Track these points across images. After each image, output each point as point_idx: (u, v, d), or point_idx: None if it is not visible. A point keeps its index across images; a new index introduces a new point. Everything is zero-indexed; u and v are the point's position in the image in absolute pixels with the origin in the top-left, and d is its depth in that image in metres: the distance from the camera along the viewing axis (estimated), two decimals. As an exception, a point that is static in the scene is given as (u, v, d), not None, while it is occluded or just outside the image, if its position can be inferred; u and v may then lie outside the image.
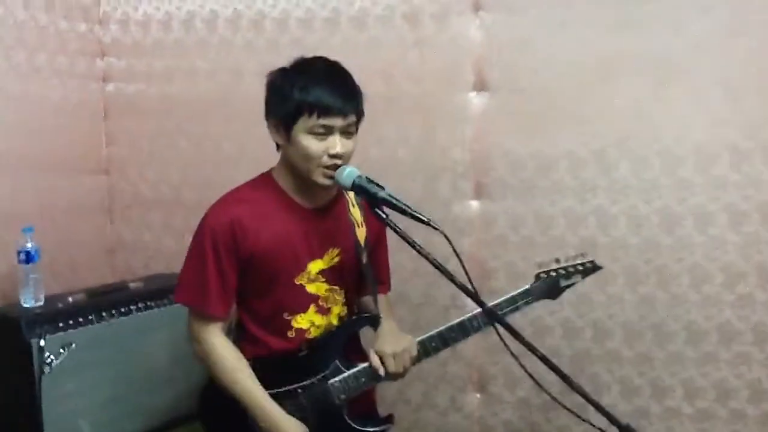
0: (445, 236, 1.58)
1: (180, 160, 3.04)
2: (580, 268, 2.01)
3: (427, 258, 1.62)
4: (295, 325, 1.83)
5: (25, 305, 2.46)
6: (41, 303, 2.48)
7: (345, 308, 1.92)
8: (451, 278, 1.60)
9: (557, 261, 2.00)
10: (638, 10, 2.40)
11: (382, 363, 1.80)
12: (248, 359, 1.80)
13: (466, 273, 1.59)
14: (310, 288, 1.84)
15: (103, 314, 2.51)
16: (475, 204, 2.66)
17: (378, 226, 1.89)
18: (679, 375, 2.48)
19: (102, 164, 3.13)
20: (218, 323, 1.79)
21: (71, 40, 2.95)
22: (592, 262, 2.03)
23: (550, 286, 1.98)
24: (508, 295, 1.94)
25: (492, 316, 1.61)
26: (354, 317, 1.94)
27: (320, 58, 1.81)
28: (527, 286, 1.97)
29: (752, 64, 2.31)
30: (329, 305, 1.88)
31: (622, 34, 2.42)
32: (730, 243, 2.37)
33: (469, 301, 1.63)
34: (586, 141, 2.51)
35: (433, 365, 2.71)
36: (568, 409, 1.60)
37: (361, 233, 1.89)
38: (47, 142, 2.86)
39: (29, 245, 2.46)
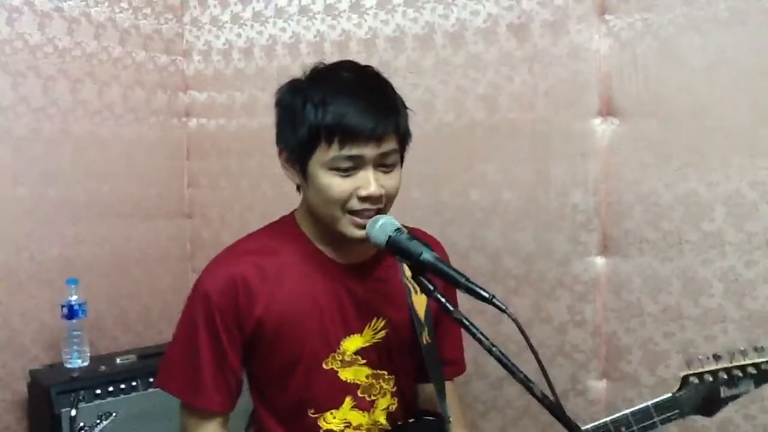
0: (515, 321, 1.06)
1: (264, 202, 2.70)
2: (754, 371, 1.36)
3: (491, 352, 1.10)
4: (324, 425, 1.36)
5: (67, 366, 2.19)
6: (86, 363, 2.21)
7: (395, 401, 1.43)
8: (527, 386, 1.07)
9: (716, 358, 1.37)
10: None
11: None
12: None
13: (542, 367, 1.06)
14: (345, 374, 1.37)
15: (151, 380, 2.18)
16: (600, 261, 2.07)
17: (445, 290, 1.37)
18: None
19: (182, 207, 2.87)
20: (215, 419, 1.35)
21: (151, 73, 2.73)
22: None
23: (705, 397, 1.36)
24: (639, 407, 1.34)
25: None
26: (411, 420, 1.42)
27: (346, 62, 1.36)
28: (670, 394, 1.36)
29: None
30: (373, 397, 1.39)
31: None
32: None
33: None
34: (756, 180, 1.86)
35: None
36: None
37: (420, 302, 1.40)
38: (122, 184, 2.65)
39: (73, 298, 2.20)
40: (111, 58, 2.57)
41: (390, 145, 1.27)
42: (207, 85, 2.80)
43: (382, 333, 1.39)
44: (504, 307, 1.06)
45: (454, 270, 1.13)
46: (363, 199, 1.25)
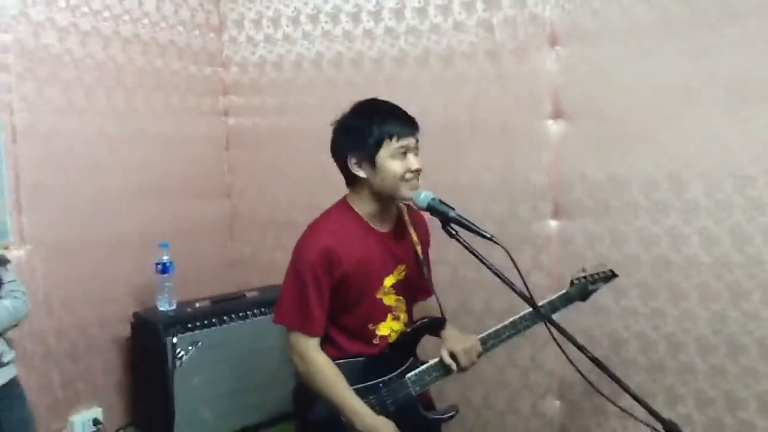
0: (505, 250, 1.82)
1: (293, 184, 3.40)
2: (602, 275, 2.32)
3: (489, 268, 1.88)
4: (378, 333, 2.10)
5: (161, 309, 2.89)
6: (173, 308, 2.91)
7: (407, 315, 2.18)
8: (509, 284, 1.85)
9: (584, 270, 2.30)
10: (710, 36, 2.51)
11: (454, 359, 2.06)
12: (333, 359, 2.05)
13: (523, 280, 1.84)
14: (387, 300, 2.10)
15: (224, 318, 2.90)
16: (553, 223, 2.87)
17: (425, 243, 2.17)
18: (753, 388, 2.57)
19: (224, 189, 3.55)
20: (317, 339, 2.05)
21: (199, 82, 3.40)
22: (611, 270, 2.33)
23: (581, 290, 2.27)
24: (551, 298, 2.21)
25: (540, 316, 1.90)
26: (425, 320, 2.17)
27: (372, 99, 2.08)
28: (565, 291, 2.24)
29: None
30: (398, 313, 2.14)
31: (695, 60, 2.55)
32: (801, 261, 2.46)
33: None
34: (659, 163, 2.65)
35: (515, 373, 2.95)
36: (619, 407, 1.81)
37: (419, 250, 2.16)
38: (178, 171, 3.30)
39: (165, 258, 2.89)
40: (171, 71, 3.25)
41: (417, 137, 2.01)
42: (244, 91, 3.48)
43: (403, 273, 2.13)
44: (499, 243, 1.83)
45: (467, 221, 1.89)
46: (413, 171, 1.98)
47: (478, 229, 1.87)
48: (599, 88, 2.74)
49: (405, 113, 2.04)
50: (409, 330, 2.13)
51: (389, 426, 2.00)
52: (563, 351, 1.84)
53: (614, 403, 1.85)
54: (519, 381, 2.96)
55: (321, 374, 2.02)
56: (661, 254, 2.67)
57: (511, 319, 2.13)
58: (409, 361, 2.10)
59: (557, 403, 2.94)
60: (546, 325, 1.85)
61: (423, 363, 2.10)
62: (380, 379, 2.06)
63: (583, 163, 2.80)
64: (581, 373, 1.86)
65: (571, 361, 1.86)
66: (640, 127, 2.68)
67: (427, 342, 2.17)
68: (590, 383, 1.86)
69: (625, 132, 2.71)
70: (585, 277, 2.28)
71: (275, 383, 2.96)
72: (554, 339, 1.84)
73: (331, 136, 2.10)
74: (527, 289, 1.85)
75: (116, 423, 3.03)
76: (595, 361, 1.80)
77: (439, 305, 2.18)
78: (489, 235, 1.85)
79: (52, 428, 2.77)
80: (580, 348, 1.77)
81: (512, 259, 1.83)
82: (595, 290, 2.30)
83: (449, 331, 2.12)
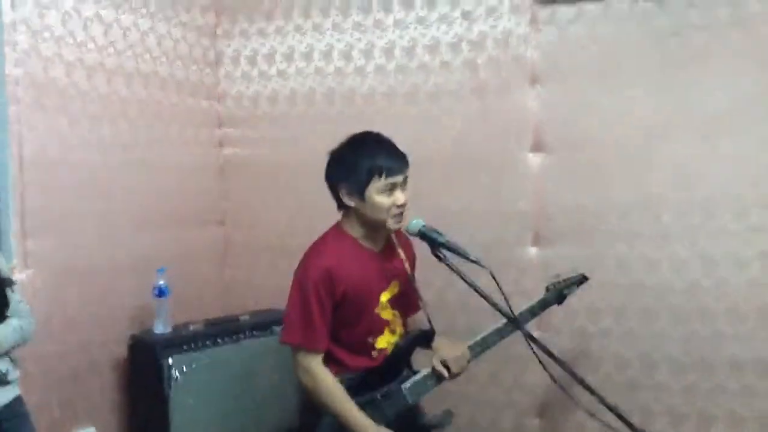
0: (492, 276, 1.99)
1: (284, 212, 3.53)
2: (575, 279, 2.50)
3: (473, 287, 2.05)
4: (377, 346, 2.26)
5: (157, 332, 3.00)
6: (169, 330, 3.02)
7: (402, 328, 2.34)
8: (492, 303, 2.02)
9: (557, 276, 2.50)
10: (683, 77, 2.76)
11: (446, 367, 2.19)
12: (336, 375, 2.18)
13: (506, 298, 2.02)
14: (384, 315, 2.27)
15: (218, 341, 3.01)
16: (534, 250, 3.05)
17: (411, 261, 2.33)
18: (724, 405, 2.73)
19: (219, 216, 3.69)
20: (321, 355, 2.19)
21: (196, 114, 3.55)
22: (582, 275, 2.52)
23: (557, 295, 2.46)
24: (531, 303, 2.40)
25: (517, 323, 2.13)
26: (418, 333, 2.33)
27: (367, 132, 2.25)
28: (542, 296, 2.44)
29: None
30: (395, 327, 2.30)
31: (668, 99, 2.79)
32: (763, 284, 2.65)
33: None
34: (634, 193, 2.86)
35: (499, 392, 3.08)
36: (597, 419, 1.96)
37: (407, 267, 2.32)
38: (176, 199, 3.43)
39: (161, 282, 3.01)
40: (170, 104, 3.40)
41: (406, 174, 2.17)
42: (239, 123, 3.63)
43: (397, 288, 2.29)
44: (484, 265, 1.98)
45: (455, 245, 2.05)
46: (398, 207, 2.14)
47: (464, 253, 2.03)
48: (577, 123, 2.95)
49: (396, 151, 2.19)
50: (402, 343, 2.27)
51: None
52: (540, 359, 2.01)
53: (589, 412, 1.99)
54: (502, 399, 3.10)
55: (326, 389, 2.15)
56: (636, 279, 2.85)
57: (495, 327, 2.28)
58: (405, 372, 2.24)
59: (537, 421, 3.08)
60: (522, 333, 2.03)
61: (417, 373, 2.24)
62: (379, 391, 2.20)
63: (562, 193, 2.98)
64: (554, 379, 2.02)
65: (545, 367, 2.01)
66: (615, 160, 2.89)
67: (419, 353, 2.31)
68: (563, 389, 2.01)
69: (601, 164, 2.91)
70: (559, 282, 2.47)
71: (268, 403, 3.08)
72: (531, 348, 2.00)
73: (326, 163, 2.25)
74: (508, 305, 2.01)
75: (112, 443, 3.11)
76: (568, 370, 1.95)
77: (428, 318, 2.31)
78: (474, 259, 2.01)
79: (49, 449, 2.85)
80: (554, 357, 1.92)
81: (495, 280, 1.99)
82: (569, 294, 2.49)
83: (439, 342, 2.26)
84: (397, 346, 2.27)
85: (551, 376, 2.02)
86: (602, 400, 1.94)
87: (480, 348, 2.27)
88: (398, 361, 2.26)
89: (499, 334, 2.28)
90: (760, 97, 2.63)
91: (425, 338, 2.31)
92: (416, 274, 2.38)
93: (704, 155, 2.72)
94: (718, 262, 2.72)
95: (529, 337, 2.05)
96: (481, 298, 2.07)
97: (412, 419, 2.24)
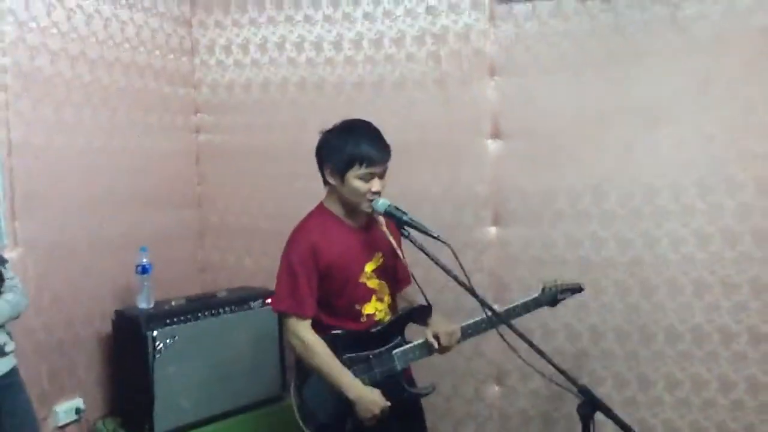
0: (451, 249, 2.19)
1: (258, 196, 3.72)
2: (571, 287, 2.65)
3: (441, 266, 2.25)
4: (365, 312, 2.45)
5: (141, 306, 3.18)
6: (152, 306, 3.20)
7: (390, 298, 2.54)
8: (463, 284, 2.22)
9: (556, 281, 2.63)
10: (625, 71, 2.99)
11: (437, 340, 2.41)
12: (330, 335, 2.38)
13: (467, 277, 2.21)
14: (370, 284, 2.46)
15: (198, 315, 3.19)
16: (493, 229, 3.28)
17: (397, 237, 2.50)
18: (661, 370, 3.01)
19: (195, 199, 3.86)
20: (308, 321, 2.39)
21: (173, 101, 3.71)
22: (578, 284, 2.66)
23: (551, 297, 2.61)
24: (523, 300, 2.56)
25: (501, 317, 2.29)
26: (417, 306, 2.52)
27: (360, 120, 2.44)
28: (536, 295, 2.60)
29: (721, 114, 2.86)
30: (382, 295, 2.49)
31: (613, 90, 3.02)
32: (698, 260, 2.91)
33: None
34: (582, 177, 3.10)
35: (460, 361, 3.32)
36: (539, 372, 2.19)
37: (392, 241, 2.50)
38: (154, 182, 3.60)
39: (144, 260, 3.19)
40: (148, 91, 3.56)
41: (385, 165, 2.37)
42: (214, 110, 3.79)
43: (381, 260, 2.48)
44: (445, 241, 2.20)
45: (419, 223, 2.27)
46: (374, 193, 2.33)
47: (426, 230, 2.25)
48: (531, 113, 3.18)
49: (381, 143, 2.36)
50: (401, 314, 2.50)
51: (375, 393, 2.34)
52: (502, 336, 2.21)
53: (540, 372, 2.21)
54: (463, 368, 3.34)
55: (315, 351, 2.35)
56: (584, 255, 3.11)
57: (488, 315, 2.45)
58: (397, 340, 2.46)
59: (497, 387, 3.33)
60: (498, 331, 2.24)
61: (409, 343, 2.46)
62: (371, 352, 2.41)
63: (518, 177, 3.22)
64: (513, 349, 2.21)
65: (504, 338, 2.21)
66: (566, 146, 3.13)
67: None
68: (525, 361, 2.18)
69: (553, 150, 3.15)
70: (556, 287, 2.61)
71: (243, 372, 3.28)
72: (500, 334, 2.23)
73: (318, 141, 2.43)
74: (468, 280, 2.22)
75: (96, 413, 3.29)
76: (525, 340, 2.16)
77: (423, 294, 2.49)
78: (436, 235, 2.23)
79: (39, 417, 3.02)
80: (513, 329, 2.15)
81: (456, 257, 2.20)
82: (563, 299, 2.63)
83: (435, 318, 2.48)
84: (393, 317, 2.48)
85: (510, 346, 2.18)
86: (556, 366, 2.12)
87: (471, 330, 2.46)
88: (393, 331, 2.46)
89: (491, 322, 2.40)
90: (693, 89, 2.87)
91: (422, 313, 2.50)
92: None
93: (645, 142, 2.97)
94: (659, 239, 2.97)
95: (500, 320, 2.25)
96: (445, 275, 2.26)
97: (397, 383, 2.43)
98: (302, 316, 2.38)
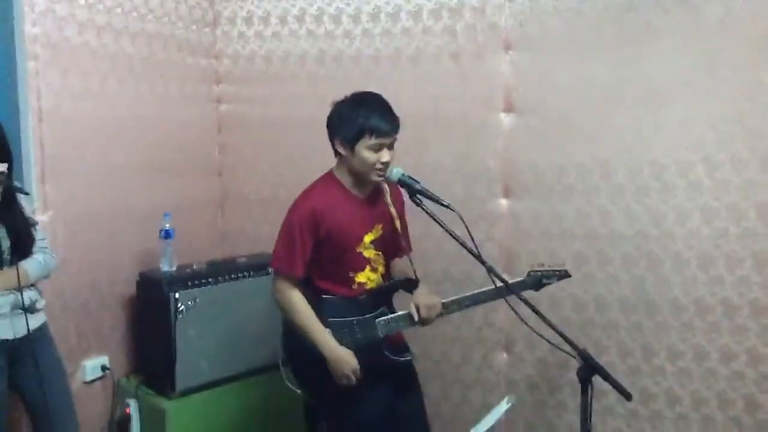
0: (461, 218, 2.29)
1: (277, 166, 3.82)
2: (557, 272, 2.74)
3: (452, 235, 2.36)
4: (357, 279, 2.58)
5: (164, 269, 3.31)
6: (174, 269, 3.33)
7: (384, 269, 2.66)
8: (473, 253, 2.32)
9: (542, 265, 2.73)
10: (636, 50, 3.02)
11: (417, 311, 2.53)
12: (320, 298, 2.53)
13: (476, 245, 2.32)
14: (367, 253, 2.58)
15: (219, 279, 3.33)
16: (504, 202, 3.36)
17: (400, 208, 2.64)
18: (664, 340, 3.10)
19: (216, 168, 3.97)
20: (295, 280, 2.53)
21: (195, 72, 3.81)
22: (565, 270, 2.76)
23: (536, 281, 2.71)
24: (511, 282, 2.59)
25: (503, 291, 2.38)
26: (404, 279, 2.65)
27: (371, 92, 2.53)
28: (522, 278, 2.69)
29: (728, 93, 2.90)
30: (377, 265, 2.62)
31: (623, 69, 3.06)
32: (704, 235, 2.98)
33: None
34: (592, 153, 3.16)
35: (471, 330, 3.43)
36: (546, 340, 2.29)
37: (393, 212, 2.64)
38: (177, 150, 3.71)
39: (168, 225, 3.31)
40: (171, 62, 3.66)
41: (394, 137, 2.46)
42: (235, 81, 3.88)
43: (380, 232, 2.60)
44: (455, 209, 2.30)
45: (430, 192, 2.36)
46: (383, 164, 2.44)
47: (438, 199, 2.35)
48: (544, 88, 3.23)
49: (391, 115, 2.45)
50: (387, 284, 2.61)
51: (349, 354, 2.48)
52: (509, 304, 2.31)
53: (542, 336, 2.32)
54: (474, 337, 3.46)
55: (296, 308, 2.52)
56: (592, 228, 3.18)
57: (472, 292, 2.59)
58: (382, 309, 2.57)
59: (504, 355, 3.44)
60: (506, 300, 2.35)
61: (394, 312, 2.58)
62: (356, 317, 2.53)
63: (529, 151, 3.29)
64: (521, 317, 2.32)
65: (512, 308, 2.32)
66: (577, 123, 3.18)
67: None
68: (531, 328, 2.31)
69: (564, 126, 3.21)
70: (542, 271, 2.70)
71: (262, 336, 3.41)
72: (508, 303, 2.34)
73: (330, 111, 2.53)
74: (477, 249, 2.32)
75: (121, 370, 3.45)
76: (533, 309, 2.26)
77: (413, 268, 2.65)
78: (447, 204, 2.33)
79: (68, 371, 3.18)
80: (522, 298, 2.26)
81: (466, 226, 2.30)
82: (548, 284, 2.72)
83: (420, 290, 2.59)
84: (381, 286, 2.60)
85: (518, 315, 2.30)
86: (558, 331, 2.24)
87: (454, 306, 2.57)
88: (379, 300, 2.58)
89: (475, 299, 2.56)
90: (702, 69, 2.91)
91: (409, 285, 2.63)
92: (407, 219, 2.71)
93: (653, 120, 3.02)
94: (665, 214, 3.04)
95: (504, 292, 2.35)
96: (456, 244, 2.35)
97: (378, 348, 2.55)
98: (292, 277, 2.51)
